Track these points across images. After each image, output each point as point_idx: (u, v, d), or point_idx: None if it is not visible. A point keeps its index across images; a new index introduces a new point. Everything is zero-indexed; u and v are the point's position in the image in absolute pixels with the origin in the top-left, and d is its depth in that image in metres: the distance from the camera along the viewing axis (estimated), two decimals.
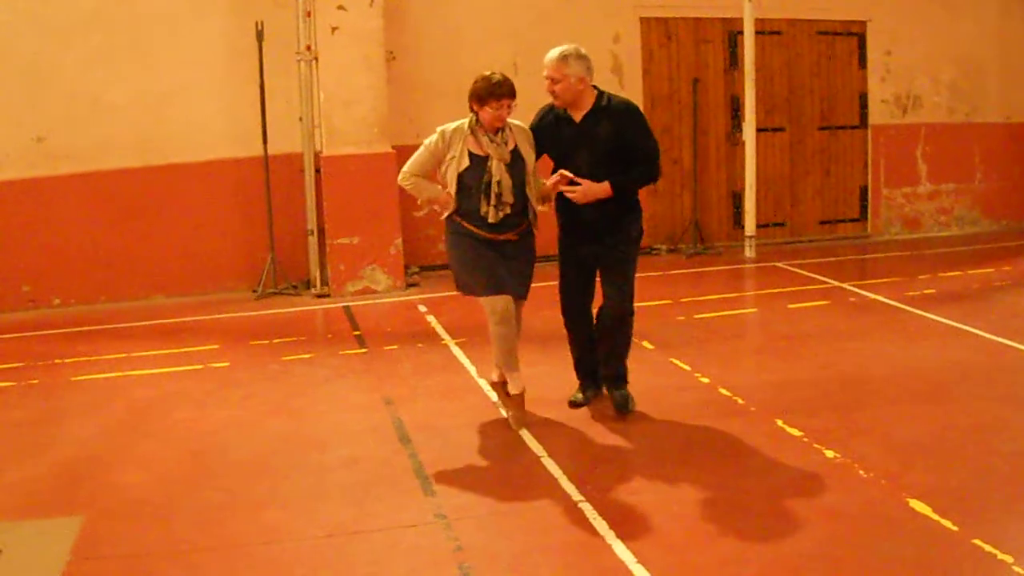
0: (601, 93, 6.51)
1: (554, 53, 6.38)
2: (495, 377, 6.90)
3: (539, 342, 8.21)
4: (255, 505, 5.57)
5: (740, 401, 7.00)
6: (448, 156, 6.36)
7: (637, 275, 6.75)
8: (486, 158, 6.29)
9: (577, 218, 6.56)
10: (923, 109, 13.63)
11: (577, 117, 6.47)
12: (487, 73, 6.31)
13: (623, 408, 6.72)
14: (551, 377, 7.44)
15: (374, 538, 5.12)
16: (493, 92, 6.22)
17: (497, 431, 6.52)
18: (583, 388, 7.04)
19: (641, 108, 6.75)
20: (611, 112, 6.44)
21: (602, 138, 6.40)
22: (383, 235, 10.89)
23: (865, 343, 8.43)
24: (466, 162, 6.30)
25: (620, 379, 6.86)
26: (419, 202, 6.72)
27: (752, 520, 5.18)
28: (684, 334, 8.72)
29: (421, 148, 6.47)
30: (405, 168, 6.52)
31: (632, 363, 6.98)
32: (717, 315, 9.43)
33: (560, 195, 6.52)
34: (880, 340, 8.51)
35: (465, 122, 6.37)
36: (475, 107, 6.32)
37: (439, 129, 6.40)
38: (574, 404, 6.96)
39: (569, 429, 6.52)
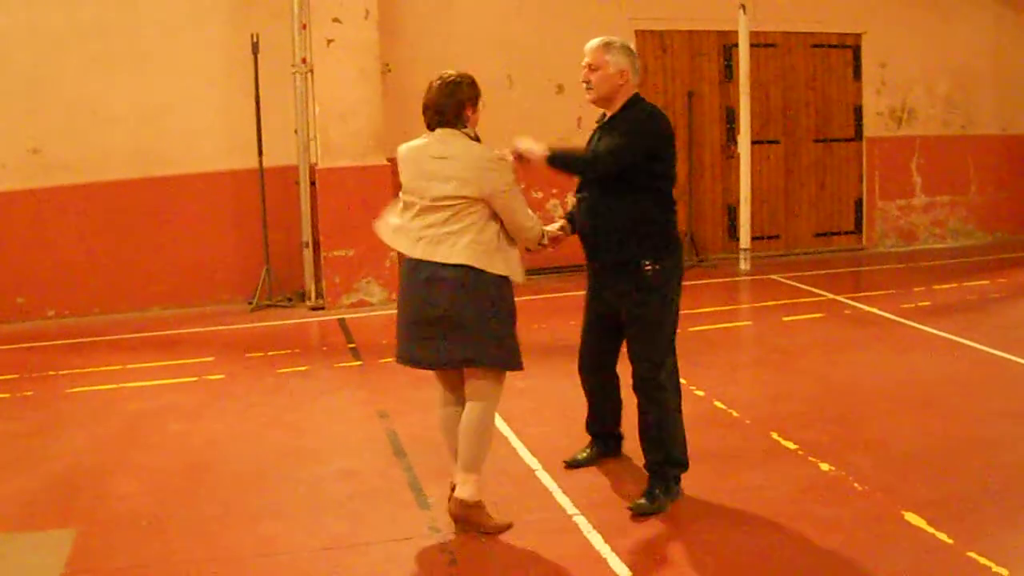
0: (637, 98, 5.58)
1: (596, 40, 5.58)
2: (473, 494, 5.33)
3: (539, 353, 8.20)
4: (250, 517, 5.56)
5: (735, 414, 7.00)
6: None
7: None
8: None
9: (580, 234, 5.72)
10: (918, 121, 13.67)
11: (605, 121, 5.64)
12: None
13: (634, 512, 5.48)
14: (546, 391, 7.44)
15: (369, 551, 5.11)
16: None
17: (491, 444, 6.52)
18: (589, 446, 6.17)
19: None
20: (624, 118, 5.51)
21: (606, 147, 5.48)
22: (378, 248, 10.83)
23: (860, 356, 8.43)
24: None
25: (652, 474, 5.60)
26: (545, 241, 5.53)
27: (747, 533, 5.18)
28: (679, 347, 8.63)
29: (515, 190, 5.21)
30: (528, 222, 5.29)
31: (623, 372, 6.01)
32: (712, 328, 9.43)
33: (578, 203, 5.70)
34: (875, 353, 8.52)
35: (472, 137, 5.25)
36: (472, 111, 5.27)
37: (502, 156, 5.20)
38: (569, 464, 6.09)
39: (564, 442, 6.49)
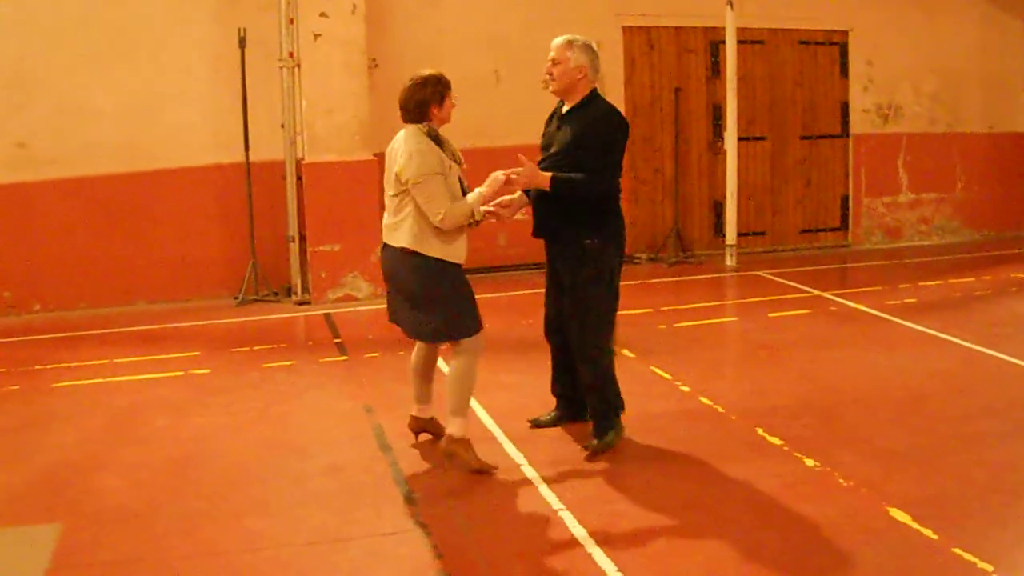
0: (595, 94, 6.18)
1: (561, 37, 6.15)
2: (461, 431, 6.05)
3: (522, 350, 8.22)
4: (236, 512, 5.55)
5: (721, 410, 7.02)
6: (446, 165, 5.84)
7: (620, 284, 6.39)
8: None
9: (534, 216, 6.29)
10: (904, 119, 13.71)
11: (565, 111, 6.23)
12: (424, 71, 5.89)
13: (590, 453, 6.22)
14: (532, 386, 7.44)
15: (355, 546, 5.12)
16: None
17: (476, 439, 6.50)
18: (555, 408, 6.74)
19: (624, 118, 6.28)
20: (586, 112, 6.10)
21: (565, 137, 6.08)
22: (364, 242, 10.87)
23: (846, 352, 8.46)
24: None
25: (596, 427, 6.34)
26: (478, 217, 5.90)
27: (732, 528, 5.19)
28: (665, 343, 8.74)
29: (431, 182, 5.73)
30: (435, 213, 5.74)
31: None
32: (698, 324, 9.45)
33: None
34: (861, 349, 8.54)
35: (424, 132, 5.83)
36: (437, 109, 5.85)
37: (423, 150, 5.77)
38: (534, 423, 6.70)
39: (548, 437, 6.52)
